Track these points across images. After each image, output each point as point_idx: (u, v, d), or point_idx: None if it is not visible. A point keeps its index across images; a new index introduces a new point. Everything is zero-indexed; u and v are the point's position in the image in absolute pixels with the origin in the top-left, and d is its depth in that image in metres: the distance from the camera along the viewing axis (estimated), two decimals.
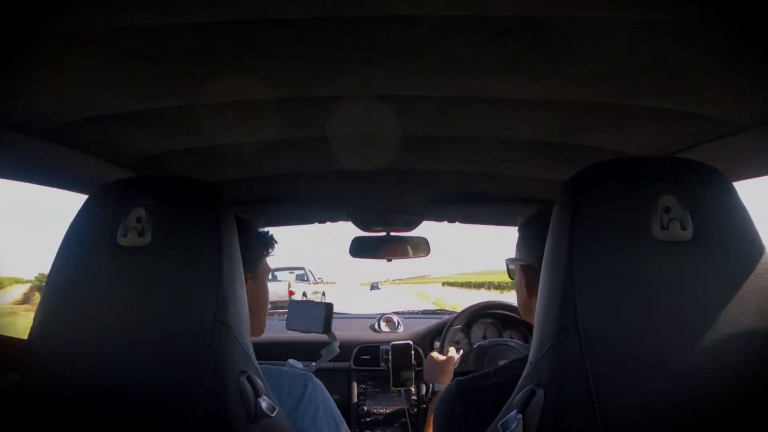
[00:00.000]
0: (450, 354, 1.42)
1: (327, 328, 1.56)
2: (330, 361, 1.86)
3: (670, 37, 0.54)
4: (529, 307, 0.86)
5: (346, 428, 0.85)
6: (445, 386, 1.26)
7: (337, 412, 0.84)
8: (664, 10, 0.50)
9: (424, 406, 1.84)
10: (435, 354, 1.43)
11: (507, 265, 0.99)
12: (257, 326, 0.90)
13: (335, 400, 0.85)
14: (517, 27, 0.54)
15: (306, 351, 1.80)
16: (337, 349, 1.60)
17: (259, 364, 0.62)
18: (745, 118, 0.71)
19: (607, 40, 0.56)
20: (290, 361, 1.53)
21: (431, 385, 1.31)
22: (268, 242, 0.94)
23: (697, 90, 0.66)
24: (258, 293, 0.90)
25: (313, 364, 1.59)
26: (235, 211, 0.85)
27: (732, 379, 0.44)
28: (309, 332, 1.63)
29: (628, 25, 0.53)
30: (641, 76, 0.63)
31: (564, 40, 0.56)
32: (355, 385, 1.89)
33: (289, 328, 1.69)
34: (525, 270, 0.87)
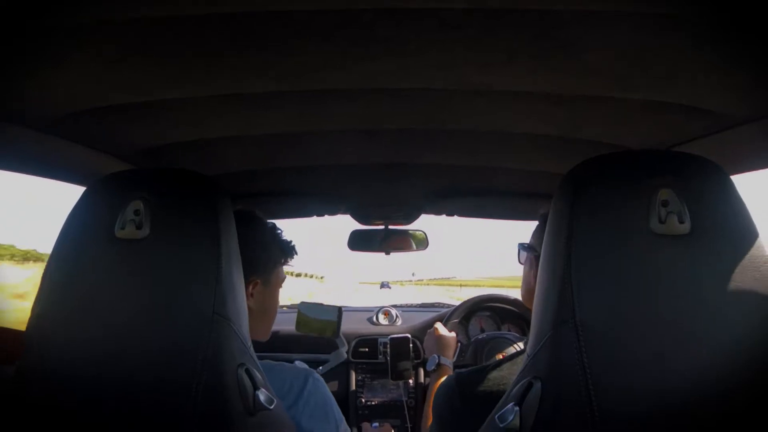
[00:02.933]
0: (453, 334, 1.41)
1: (337, 333, 1.57)
2: (328, 353, 1.88)
3: (668, 30, 0.54)
4: (533, 296, 0.87)
5: (346, 426, 0.85)
6: (449, 360, 1.27)
7: (337, 409, 0.84)
8: (662, 3, 0.49)
9: (424, 386, 1.84)
10: (440, 326, 1.41)
11: (519, 250, 1.00)
12: (263, 331, 0.90)
13: (333, 393, 0.85)
14: (515, 20, 0.54)
15: (310, 344, 1.82)
16: (345, 355, 1.61)
17: (262, 358, 0.62)
18: (743, 111, 0.71)
19: (606, 33, 0.55)
20: (297, 362, 1.55)
21: (437, 357, 1.29)
22: (289, 252, 0.93)
23: (695, 83, 0.65)
24: (270, 300, 0.89)
25: (320, 368, 1.59)
26: (255, 209, 0.85)
27: (729, 372, 0.44)
28: (318, 335, 1.63)
29: (627, 18, 0.52)
30: (640, 70, 0.63)
31: (563, 33, 0.56)
32: (353, 377, 1.90)
33: (299, 331, 1.69)
34: (537, 261, 0.87)
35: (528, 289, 0.91)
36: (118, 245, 0.53)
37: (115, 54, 0.60)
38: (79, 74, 0.65)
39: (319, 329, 1.64)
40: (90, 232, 0.55)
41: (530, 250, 0.91)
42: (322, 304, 1.70)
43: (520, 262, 1.00)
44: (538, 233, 0.90)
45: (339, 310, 1.63)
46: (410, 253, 1.99)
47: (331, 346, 1.81)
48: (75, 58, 0.61)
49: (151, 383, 0.51)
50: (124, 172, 0.62)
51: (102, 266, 0.53)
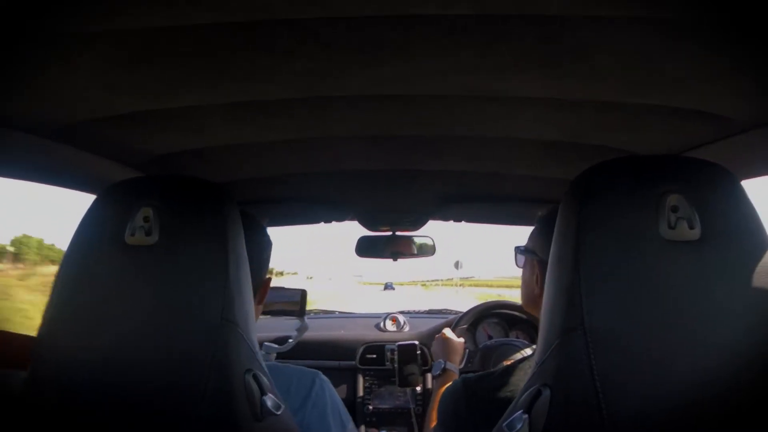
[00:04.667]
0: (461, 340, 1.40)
1: (302, 312, 1.63)
2: (336, 360, 1.88)
3: (678, 34, 0.54)
4: (537, 302, 0.86)
5: (353, 426, 0.85)
6: (455, 366, 1.26)
7: (344, 410, 0.84)
8: (672, 8, 0.49)
9: (431, 388, 1.83)
10: (448, 331, 1.39)
11: (515, 254, 0.98)
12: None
13: (341, 399, 0.85)
14: (523, 25, 0.54)
15: (312, 351, 1.85)
16: (308, 325, 1.66)
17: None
18: (753, 116, 0.71)
19: (615, 38, 0.55)
20: (266, 344, 1.58)
21: (443, 362, 1.27)
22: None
23: (705, 88, 0.65)
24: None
25: (290, 340, 1.64)
26: (248, 210, 0.86)
27: (739, 378, 0.43)
28: (283, 315, 1.69)
29: (635, 23, 0.52)
30: (649, 75, 0.63)
31: (571, 39, 0.56)
32: (360, 384, 1.90)
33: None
34: (540, 265, 0.86)
35: (528, 294, 0.90)
36: (127, 252, 0.54)
37: (123, 62, 0.61)
38: (88, 82, 0.66)
39: (283, 309, 1.69)
40: (100, 238, 0.55)
41: (530, 254, 0.89)
42: (284, 287, 1.74)
43: (517, 265, 0.99)
44: (537, 236, 0.89)
45: (303, 293, 1.68)
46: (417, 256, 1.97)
47: (339, 355, 1.89)
48: (84, 66, 0.62)
49: (158, 388, 0.51)
50: (134, 179, 0.63)
51: (112, 272, 0.54)
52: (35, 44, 0.56)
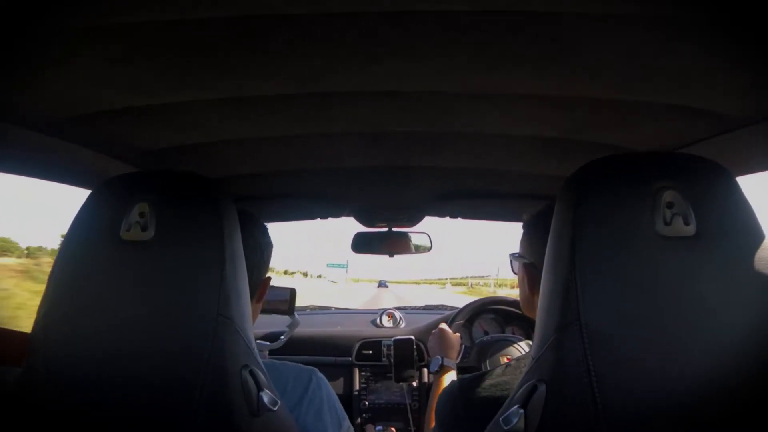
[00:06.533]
0: (458, 335, 1.41)
1: (292, 310, 1.63)
2: (332, 356, 1.89)
3: (673, 32, 0.54)
4: (532, 303, 0.87)
5: (349, 424, 0.86)
6: (452, 361, 1.28)
7: (341, 408, 0.84)
8: (667, 6, 0.49)
9: (428, 385, 1.84)
10: (444, 326, 1.41)
11: (510, 261, 1.00)
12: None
13: (337, 395, 0.86)
14: (520, 23, 0.54)
15: (309, 348, 1.87)
16: (299, 321, 1.67)
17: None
18: (748, 113, 0.71)
19: (611, 35, 0.55)
20: (257, 341, 1.57)
21: (440, 358, 1.29)
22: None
23: (699, 85, 0.65)
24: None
25: (282, 338, 1.65)
26: (249, 209, 0.86)
27: (736, 375, 0.44)
28: (272, 313, 1.69)
29: (631, 21, 0.52)
30: (644, 72, 0.63)
31: (567, 36, 0.56)
32: (357, 380, 1.90)
33: None
34: (527, 268, 0.88)
35: (525, 296, 0.91)
36: (123, 247, 0.53)
37: (119, 57, 0.61)
38: (85, 77, 0.66)
39: (272, 308, 1.69)
40: (95, 234, 0.55)
41: (518, 258, 0.91)
42: (273, 286, 1.74)
43: (513, 271, 1.00)
44: (525, 241, 0.91)
45: (292, 291, 1.68)
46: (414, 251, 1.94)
47: (335, 351, 1.89)
48: (81, 61, 0.61)
49: (155, 384, 0.51)
50: (129, 174, 0.63)
51: (107, 268, 0.53)
52: (31, 39, 0.56)
